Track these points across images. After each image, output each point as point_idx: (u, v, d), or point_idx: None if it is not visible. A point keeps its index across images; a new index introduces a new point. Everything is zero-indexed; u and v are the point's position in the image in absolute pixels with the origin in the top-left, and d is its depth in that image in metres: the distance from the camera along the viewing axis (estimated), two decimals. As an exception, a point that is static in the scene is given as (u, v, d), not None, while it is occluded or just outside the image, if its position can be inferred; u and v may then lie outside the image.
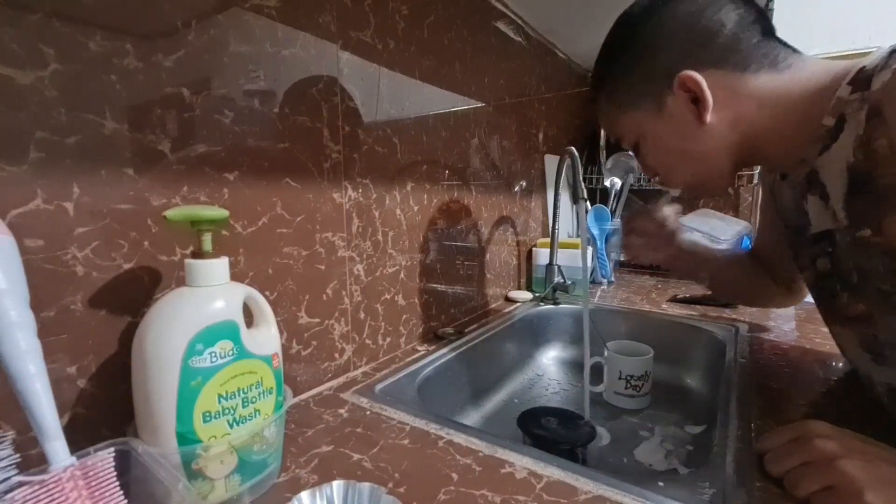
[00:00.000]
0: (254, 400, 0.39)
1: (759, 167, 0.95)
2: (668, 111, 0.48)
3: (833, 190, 0.43)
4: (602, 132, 1.45)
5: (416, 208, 0.76)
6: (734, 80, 0.45)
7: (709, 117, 0.46)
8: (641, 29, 0.49)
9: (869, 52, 0.40)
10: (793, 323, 0.91)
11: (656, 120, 0.50)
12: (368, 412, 0.54)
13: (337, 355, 0.64)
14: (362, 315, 0.67)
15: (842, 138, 0.40)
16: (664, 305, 1.05)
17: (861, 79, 0.39)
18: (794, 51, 0.46)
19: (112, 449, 0.33)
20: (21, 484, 0.28)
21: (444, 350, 0.75)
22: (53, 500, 0.29)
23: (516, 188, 1.12)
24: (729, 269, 0.76)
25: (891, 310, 0.44)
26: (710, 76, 0.45)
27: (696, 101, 0.46)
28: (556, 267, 1.09)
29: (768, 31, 0.46)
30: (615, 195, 1.38)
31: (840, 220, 0.44)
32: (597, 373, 0.81)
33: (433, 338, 0.82)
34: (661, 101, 0.48)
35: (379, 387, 0.61)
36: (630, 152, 0.56)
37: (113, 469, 0.32)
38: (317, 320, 0.60)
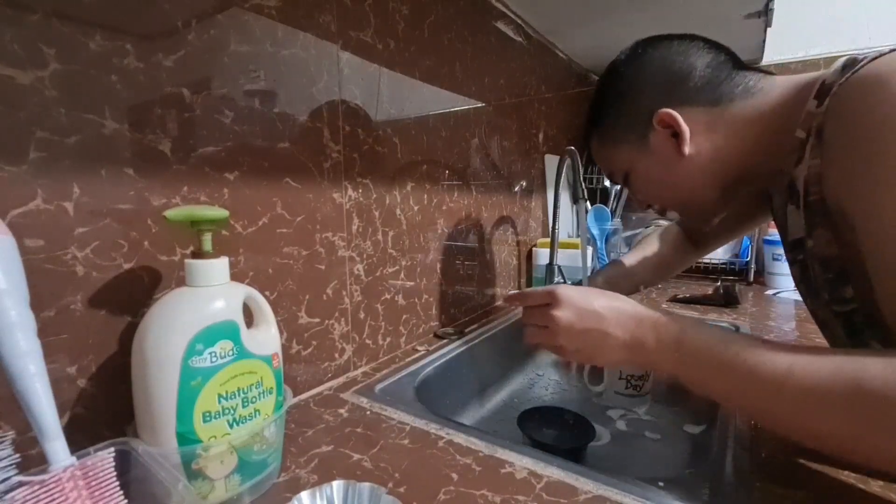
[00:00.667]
0: (254, 400, 0.39)
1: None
2: (652, 146, 0.52)
3: (800, 199, 0.45)
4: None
5: (416, 208, 0.76)
6: (708, 113, 0.49)
7: (687, 149, 0.49)
8: (625, 74, 0.54)
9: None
10: (793, 323, 0.91)
11: (642, 154, 0.54)
12: (368, 412, 0.54)
13: (337, 355, 0.64)
14: (362, 315, 0.67)
15: (807, 150, 0.42)
16: (664, 305, 1.05)
17: (823, 92, 0.40)
18: (766, 74, 0.49)
19: (112, 449, 0.33)
20: (21, 484, 0.28)
21: (444, 350, 0.75)
22: (53, 500, 0.29)
23: (516, 188, 1.12)
24: (653, 265, 0.83)
25: (833, 317, 0.46)
26: (686, 112, 0.49)
27: (676, 135, 0.50)
28: (556, 267, 1.09)
29: (739, 65, 0.50)
30: (615, 195, 1.38)
31: (803, 228, 0.46)
32: (597, 373, 0.81)
33: (433, 338, 0.82)
34: (645, 137, 0.52)
35: (379, 387, 0.61)
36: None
37: (113, 469, 0.32)
38: (317, 320, 0.60)
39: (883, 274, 0.36)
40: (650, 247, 0.85)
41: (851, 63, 0.39)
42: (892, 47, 0.37)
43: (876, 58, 0.37)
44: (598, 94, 0.58)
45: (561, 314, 0.47)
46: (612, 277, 0.80)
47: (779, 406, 0.35)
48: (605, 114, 0.56)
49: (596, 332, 0.45)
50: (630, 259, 0.84)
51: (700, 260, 1.28)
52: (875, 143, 0.35)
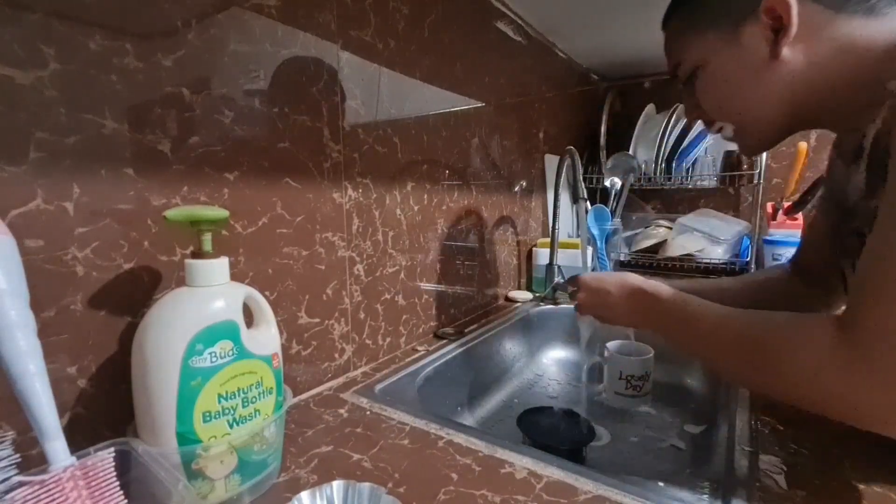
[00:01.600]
0: (254, 400, 0.39)
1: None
2: (744, 38, 0.46)
3: (865, 156, 0.42)
4: (603, 130, 1.45)
5: (416, 208, 0.76)
6: (824, 17, 0.42)
7: (785, 51, 0.43)
8: None
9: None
10: (793, 323, 0.90)
11: (728, 45, 0.47)
12: (368, 412, 0.54)
13: (337, 355, 0.64)
14: (362, 315, 0.67)
15: (887, 105, 0.37)
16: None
17: None
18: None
19: (112, 449, 0.33)
20: (21, 484, 0.28)
21: (444, 350, 0.75)
22: (53, 500, 0.29)
23: (516, 188, 1.11)
24: (743, 292, 0.69)
25: None
26: (801, 5, 0.42)
27: (777, 31, 0.43)
28: (556, 267, 1.09)
29: None
30: (615, 195, 1.38)
31: (863, 189, 0.42)
32: (597, 373, 0.81)
33: (433, 338, 0.82)
34: (740, 25, 0.46)
35: (379, 387, 0.61)
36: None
37: (113, 469, 0.32)
38: (317, 320, 0.60)
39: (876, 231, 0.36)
40: (750, 274, 0.79)
41: None
42: None
43: None
44: None
45: (581, 296, 0.61)
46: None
47: (707, 349, 0.46)
48: None
49: (604, 305, 0.58)
50: (717, 280, 0.75)
51: (699, 260, 1.28)
52: None
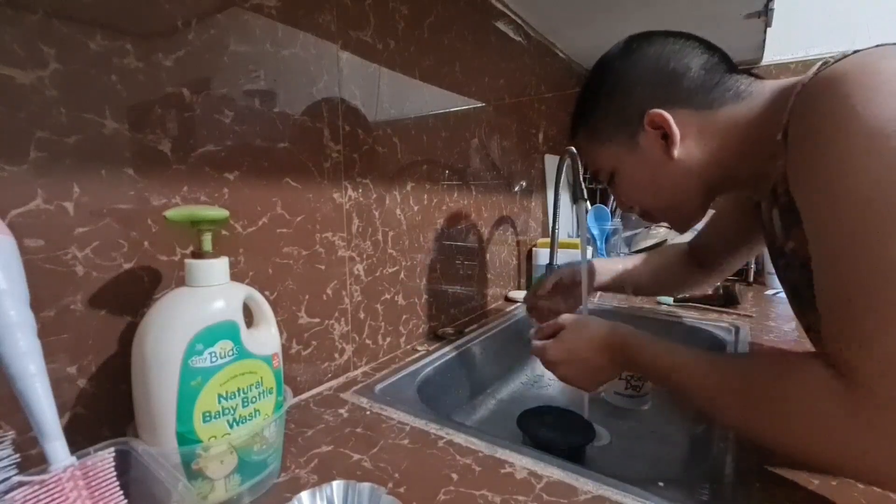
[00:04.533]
0: (254, 400, 0.39)
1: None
2: (641, 147, 0.51)
3: (777, 202, 0.45)
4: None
5: (416, 208, 0.76)
6: (700, 117, 0.48)
7: (676, 152, 0.49)
8: (617, 69, 0.52)
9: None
10: (793, 323, 0.91)
11: (629, 155, 0.53)
12: (368, 412, 0.54)
13: (337, 355, 0.64)
14: (362, 315, 0.67)
15: (780, 154, 0.42)
16: (664, 305, 1.05)
17: None
18: (756, 78, 0.48)
19: (112, 449, 0.33)
20: (21, 484, 0.28)
21: (444, 350, 0.75)
22: (53, 500, 0.29)
23: (516, 188, 1.12)
24: (647, 271, 0.82)
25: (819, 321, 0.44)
26: (678, 114, 0.48)
27: (666, 137, 0.49)
28: (555, 267, 1.09)
29: (731, 68, 0.49)
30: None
31: (782, 231, 0.45)
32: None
33: (433, 338, 0.82)
34: (634, 136, 0.51)
35: (379, 387, 0.61)
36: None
37: (113, 469, 0.32)
38: (317, 320, 0.60)
39: (815, 269, 0.37)
40: (652, 255, 0.84)
41: (823, 65, 0.39)
42: (858, 49, 0.37)
43: (840, 59, 0.37)
44: (586, 89, 0.56)
45: (556, 372, 0.56)
46: (595, 269, 0.80)
47: (702, 402, 0.43)
48: (594, 110, 0.55)
49: (584, 367, 0.54)
50: (625, 260, 0.83)
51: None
52: (817, 138, 0.35)
